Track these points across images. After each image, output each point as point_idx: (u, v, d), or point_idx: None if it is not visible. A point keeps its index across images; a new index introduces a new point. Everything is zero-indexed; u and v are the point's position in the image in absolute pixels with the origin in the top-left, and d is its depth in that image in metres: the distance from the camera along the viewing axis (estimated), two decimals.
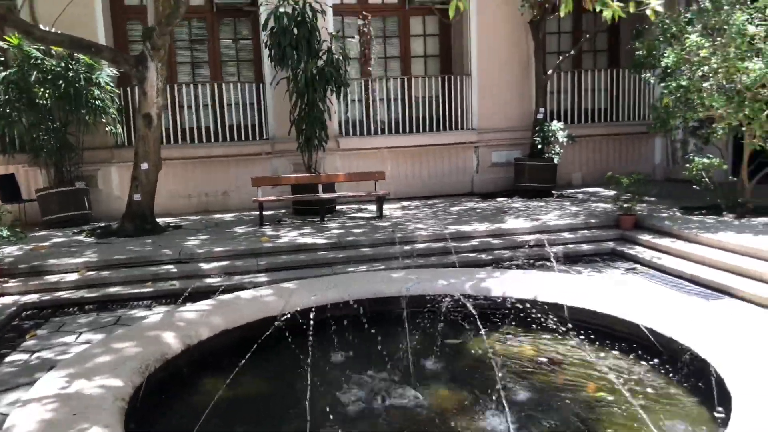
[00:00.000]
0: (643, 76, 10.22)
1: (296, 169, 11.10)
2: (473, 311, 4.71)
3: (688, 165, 9.00)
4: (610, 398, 4.09)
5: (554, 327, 5.01)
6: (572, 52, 12.16)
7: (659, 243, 7.96)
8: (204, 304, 5.42)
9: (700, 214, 8.88)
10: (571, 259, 7.97)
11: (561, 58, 12.10)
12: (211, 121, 11.48)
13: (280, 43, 9.77)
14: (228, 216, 10.69)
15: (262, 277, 7.31)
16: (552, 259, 7.66)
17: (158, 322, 4.93)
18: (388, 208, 10.58)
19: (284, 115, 10.78)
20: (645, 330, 4.48)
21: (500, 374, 4.44)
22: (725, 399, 3.46)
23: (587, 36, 12.27)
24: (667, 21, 8.78)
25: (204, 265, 7.57)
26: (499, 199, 11.43)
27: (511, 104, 12.41)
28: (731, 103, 7.81)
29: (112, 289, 7.09)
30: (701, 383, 3.86)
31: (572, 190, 12.12)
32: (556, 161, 11.50)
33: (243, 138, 11.51)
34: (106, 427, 3.18)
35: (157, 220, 9.60)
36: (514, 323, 5.40)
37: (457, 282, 6.05)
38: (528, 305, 5.51)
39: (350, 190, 10.56)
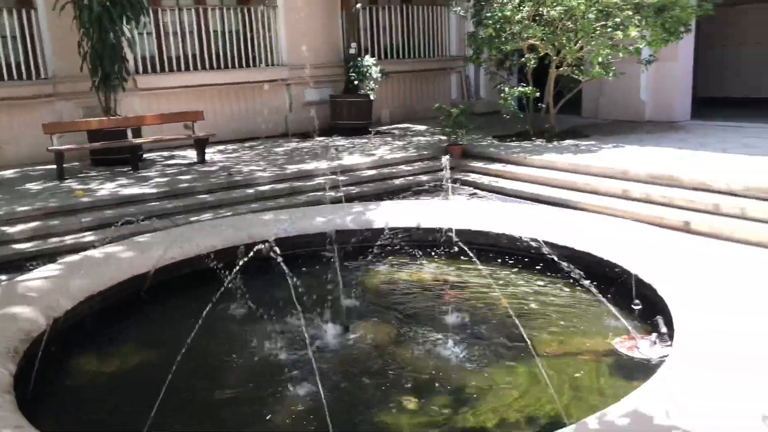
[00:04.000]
0: (453, 9, 10.48)
1: (87, 113, 9.51)
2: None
3: (502, 95, 9.54)
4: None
5: (446, 249, 5.01)
6: None
7: (491, 168, 8.38)
8: (49, 270, 4.37)
9: (513, 141, 9.51)
10: (416, 190, 8.03)
11: None
12: None
13: None
14: (7, 173, 8.82)
15: (90, 236, 6.16)
16: (404, 190, 7.69)
17: (2, 297, 3.83)
18: (205, 153, 9.58)
19: (68, 49, 9.08)
20: (541, 242, 4.59)
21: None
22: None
23: None
24: None
25: (7, 229, 6.14)
26: (318, 139, 11.06)
27: (320, 39, 11.95)
28: (548, 33, 8.36)
29: None
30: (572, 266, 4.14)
31: (385, 127, 12.21)
32: (372, 97, 11.43)
33: (12, 78, 9.49)
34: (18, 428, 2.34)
35: None
36: (403, 251, 5.28)
37: (335, 217, 5.74)
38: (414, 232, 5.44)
39: (157, 135, 9.30)
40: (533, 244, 4.60)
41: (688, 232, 5.77)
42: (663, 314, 3.57)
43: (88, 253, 4.81)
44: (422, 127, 11.90)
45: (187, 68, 10.81)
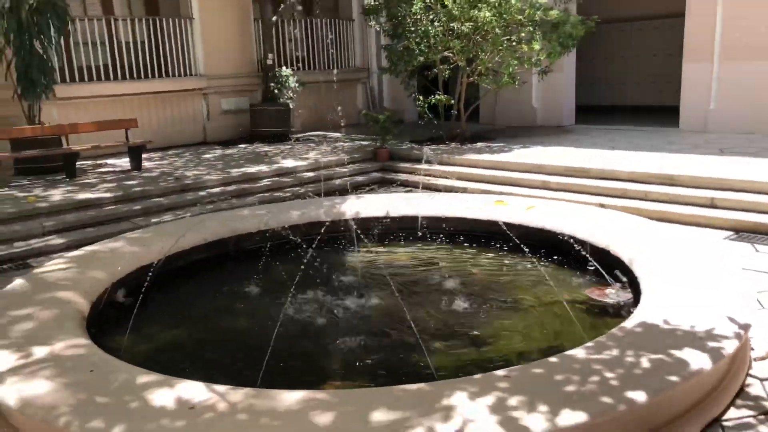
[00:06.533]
0: (370, 23, 11.27)
1: (3, 123, 9.24)
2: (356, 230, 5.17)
3: (418, 103, 10.43)
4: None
5: (417, 234, 5.77)
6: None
7: (419, 168, 9.18)
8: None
9: (429, 145, 10.42)
10: (356, 188, 8.66)
11: (282, 5, 12.41)
12: None
13: None
14: None
15: (57, 239, 6.22)
16: (348, 188, 8.30)
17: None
18: (128, 162, 9.51)
19: None
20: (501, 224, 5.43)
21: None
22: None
23: None
24: None
25: None
26: (241, 146, 11.37)
27: (235, 50, 12.27)
28: (464, 45, 9.36)
29: None
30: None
31: (301, 134, 12.72)
32: (291, 106, 11.92)
33: None
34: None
35: None
36: (376, 238, 5.91)
37: (308, 211, 6.24)
38: (385, 221, 6.09)
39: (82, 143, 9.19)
40: (493, 224, 5.46)
41: None
42: (620, 267, 4.52)
43: (90, 247, 5.01)
44: (337, 135, 12.53)
45: (100, 78, 10.66)
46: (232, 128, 12.32)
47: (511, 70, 9.45)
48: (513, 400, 2.61)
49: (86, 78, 10.56)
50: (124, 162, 9.49)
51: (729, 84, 10.02)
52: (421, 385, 2.79)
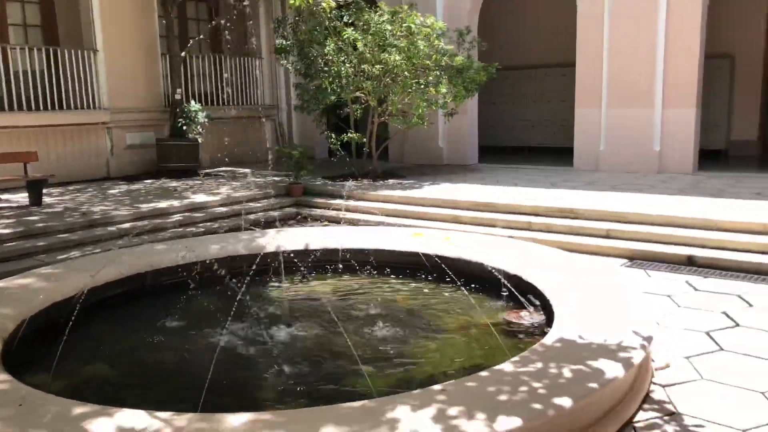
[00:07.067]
0: (282, 62, 11.44)
1: None
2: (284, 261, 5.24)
3: (331, 140, 10.63)
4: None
5: (339, 266, 5.90)
6: (200, 36, 12.56)
7: (332, 203, 9.35)
8: None
9: (341, 181, 10.62)
10: (270, 224, 8.66)
11: (191, 41, 12.36)
12: None
13: None
14: None
15: None
16: (262, 223, 8.29)
17: None
18: (26, 197, 9.01)
19: None
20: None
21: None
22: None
23: (212, 23, 12.84)
24: (329, 15, 10.01)
25: None
26: (147, 181, 11.08)
27: (142, 84, 12.03)
28: (376, 86, 9.72)
29: None
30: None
31: (210, 170, 12.57)
32: (200, 141, 11.79)
33: None
34: None
35: None
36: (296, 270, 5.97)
37: (227, 245, 6.23)
38: (306, 254, 6.17)
39: None
40: (413, 255, 5.69)
41: None
42: (532, 292, 4.84)
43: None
44: (246, 170, 12.49)
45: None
46: (138, 163, 11.99)
47: (420, 111, 9.89)
48: (452, 410, 2.77)
49: None
50: (21, 197, 9.01)
51: (615, 128, 10.98)
52: (364, 402, 2.90)
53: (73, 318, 4.13)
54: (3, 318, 4.06)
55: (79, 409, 2.81)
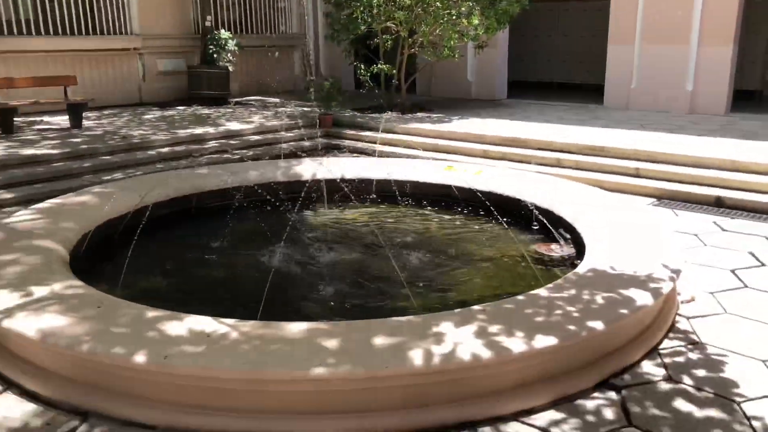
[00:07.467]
0: None
1: None
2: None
3: (360, 71, 10.63)
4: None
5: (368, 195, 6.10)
6: None
7: (363, 135, 9.46)
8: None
9: (371, 113, 10.68)
10: (303, 153, 8.81)
11: None
12: None
13: None
14: None
15: (5, 194, 6.11)
16: (305, 151, 8.47)
17: None
18: (68, 120, 9.27)
19: None
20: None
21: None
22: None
23: None
24: None
25: None
26: (180, 108, 11.23)
27: (172, 10, 12.00)
28: (408, 17, 9.64)
29: None
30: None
31: (240, 98, 12.66)
32: (231, 69, 11.83)
33: None
34: None
35: None
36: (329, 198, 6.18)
37: (266, 171, 6.42)
38: (340, 182, 6.36)
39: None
40: (446, 187, 5.87)
41: None
42: (563, 227, 5.01)
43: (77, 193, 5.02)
44: (275, 100, 12.57)
45: (30, 32, 10.21)
46: (169, 90, 12.11)
47: (452, 43, 9.82)
48: (492, 328, 3.00)
49: (15, 32, 10.08)
50: (61, 120, 9.23)
51: (648, 65, 10.83)
52: (410, 317, 3.14)
53: (136, 231, 4.40)
54: (66, 231, 4.33)
55: (152, 312, 3.09)
